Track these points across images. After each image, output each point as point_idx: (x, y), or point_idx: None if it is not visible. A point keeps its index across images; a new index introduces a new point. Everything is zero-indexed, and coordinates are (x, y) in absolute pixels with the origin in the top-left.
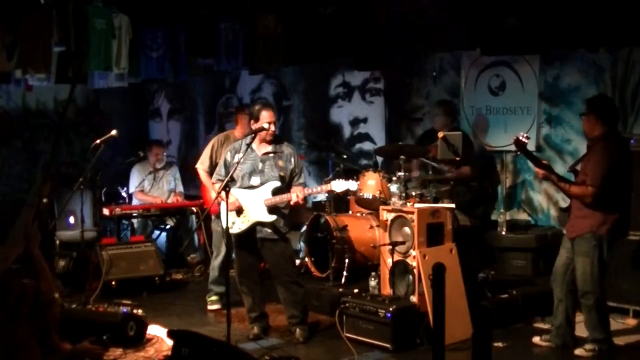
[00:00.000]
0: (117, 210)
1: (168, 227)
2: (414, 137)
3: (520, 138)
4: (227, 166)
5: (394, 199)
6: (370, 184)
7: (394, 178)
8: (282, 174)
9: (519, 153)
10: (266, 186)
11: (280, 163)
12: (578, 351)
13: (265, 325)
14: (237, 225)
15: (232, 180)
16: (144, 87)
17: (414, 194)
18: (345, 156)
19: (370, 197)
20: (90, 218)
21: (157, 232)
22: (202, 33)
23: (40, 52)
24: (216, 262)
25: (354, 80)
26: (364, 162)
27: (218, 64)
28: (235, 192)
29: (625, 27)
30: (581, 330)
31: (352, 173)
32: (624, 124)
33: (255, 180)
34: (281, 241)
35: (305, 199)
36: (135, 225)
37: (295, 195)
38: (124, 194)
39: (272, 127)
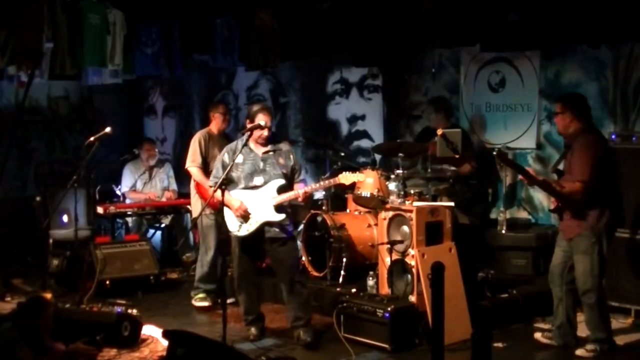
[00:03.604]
0: (112, 209)
1: (163, 225)
2: (413, 135)
3: (499, 151)
4: (225, 167)
5: (393, 197)
6: (368, 182)
7: (392, 176)
8: (284, 171)
9: (501, 165)
10: (270, 185)
11: (281, 161)
12: (579, 351)
13: (262, 327)
14: (245, 227)
15: (233, 182)
16: (138, 84)
17: (412, 192)
18: (342, 154)
19: (368, 195)
20: (84, 216)
21: (151, 231)
22: (198, 29)
23: (32, 48)
24: (207, 258)
25: (351, 77)
26: (361, 159)
27: (214, 60)
28: (238, 193)
29: (627, 22)
30: (582, 330)
31: (349, 171)
32: (625, 120)
33: (258, 180)
34: (289, 240)
35: (312, 194)
36: (130, 224)
37: (303, 191)
38: (118, 192)
39: (266, 132)
